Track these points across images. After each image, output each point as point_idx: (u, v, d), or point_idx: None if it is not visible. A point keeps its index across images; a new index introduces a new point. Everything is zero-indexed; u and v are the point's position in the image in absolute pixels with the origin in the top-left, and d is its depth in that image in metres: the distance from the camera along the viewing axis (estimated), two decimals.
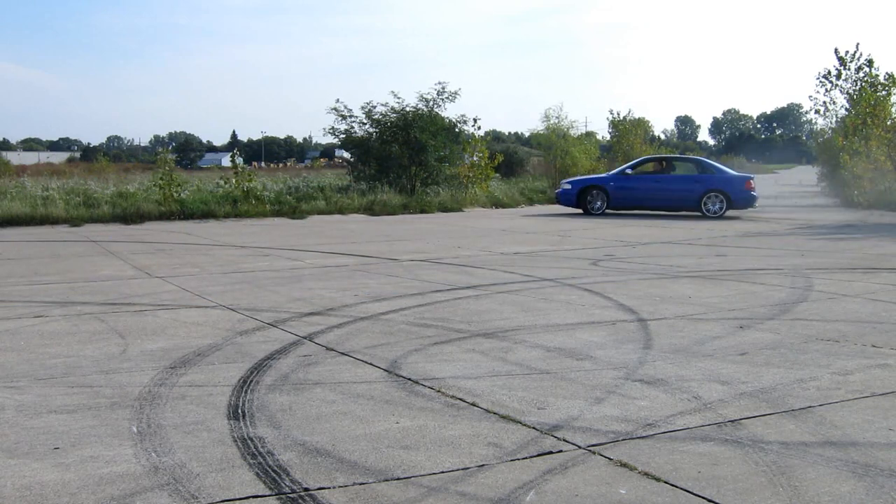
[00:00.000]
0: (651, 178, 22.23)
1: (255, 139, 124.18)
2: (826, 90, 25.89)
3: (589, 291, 8.00)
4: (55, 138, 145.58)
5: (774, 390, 4.41)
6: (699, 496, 3.00)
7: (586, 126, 55.73)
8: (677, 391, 4.41)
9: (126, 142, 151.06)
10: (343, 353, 5.39)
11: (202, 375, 4.85)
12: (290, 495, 3.04)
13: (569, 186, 22.70)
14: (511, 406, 4.16)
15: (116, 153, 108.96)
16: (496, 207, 26.12)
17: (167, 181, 21.87)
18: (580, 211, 22.28)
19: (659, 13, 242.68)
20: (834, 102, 26.12)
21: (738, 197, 21.40)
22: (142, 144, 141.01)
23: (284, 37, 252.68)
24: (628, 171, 22.62)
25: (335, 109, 27.46)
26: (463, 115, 28.43)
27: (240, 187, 22.90)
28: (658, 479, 3.16)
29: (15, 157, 72.18)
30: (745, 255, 11.35)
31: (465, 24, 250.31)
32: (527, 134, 52.61)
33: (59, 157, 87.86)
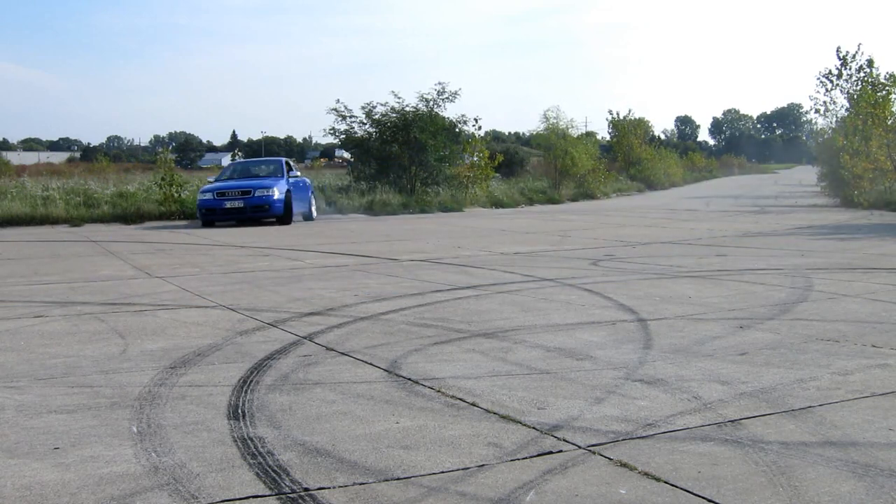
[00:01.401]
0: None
1: (255, 139, 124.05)
2: (826, 90, 25.93)
3: (589, 291, 8.00)
4: (55, 138, 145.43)
5: (774, 390, 4.41)
6: (699, 496, 3.00)
7: (586, 126, 55.78)
8: (677, 391, 4.41)
9: (126, 142, 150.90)
10: (343, 353, 5.40)
11: (202, 375, 4.85)
12: (290, 495, 3.04)
13: (273, 193, 19.23)
14: (511, 406, 4.16)
15: (116, 153, 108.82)
16: (496, 207, 26.14)
17: (168, 181, 21.87)
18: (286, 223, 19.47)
19: (659, 13, 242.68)
20: (834, 102, 26.16)
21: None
22: (142, 144, 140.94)
23: (284, 37, 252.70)
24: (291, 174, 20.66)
25: (335, 110, 27.50)
26: (463, 115, 28.48)
27: None
28: (658, 479, 3.16)
29: (15, 157, 72.12)
30: (745, 254, 11.35)
31: (465, 24, 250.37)
32: (527, 134, 52.59)
33: (59, 157, 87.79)
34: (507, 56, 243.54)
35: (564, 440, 3.64)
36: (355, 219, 21.64)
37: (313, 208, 21.84)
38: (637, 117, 49.39)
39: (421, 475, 3.24)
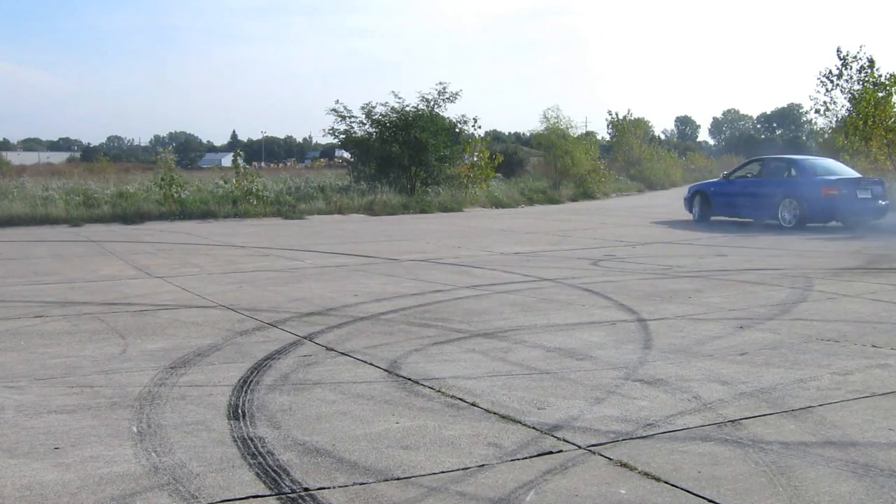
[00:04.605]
0: None
1: (255, 139, 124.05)
2: (827, 90, 25.88)
3: (589, 291, 8.00)
4: (55, 138, 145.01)
5: (774, 390, 4.41)
6: (699, 496, 3.00)
7: (586, 126, 55.74)
8: (677, 391, 4.41)
9: (126, 142, 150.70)
10: (343, 353, 5.39)
11: (202, 375, 4.85)
12: (290, 495, 3.04)
13: None
14: (511, 406, 4.16)
15: (116, 153, 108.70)
16: (496, 207, 26.13)
17: (168, 181, 21.88)
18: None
19: (659, 13, 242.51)
20: (834, 102, 26.10)
21: None
22: (142, 144, 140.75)
23: (284, 37, 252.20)
24: None
25: (335, 110, 27.47)
26: (463, 115, 28.43)
27: (241, 187, 22.92)
28: (658, 479, 3.16)
29: (15, 157, 71.97)
30: (744, 254, 11.35)
31: (465, 24, 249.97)
32: (527, 134, 52.56)
33: (59, 158, 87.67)
34: (507, 56, 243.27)
35: (564, 440, 3.63)
36: (355, 219, 21.64)
37: None
38: (637, 117, 49.43)
39: (421, 475, 3.24)
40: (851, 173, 17.35)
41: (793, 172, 17.14)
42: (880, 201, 16.21)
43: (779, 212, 16.49)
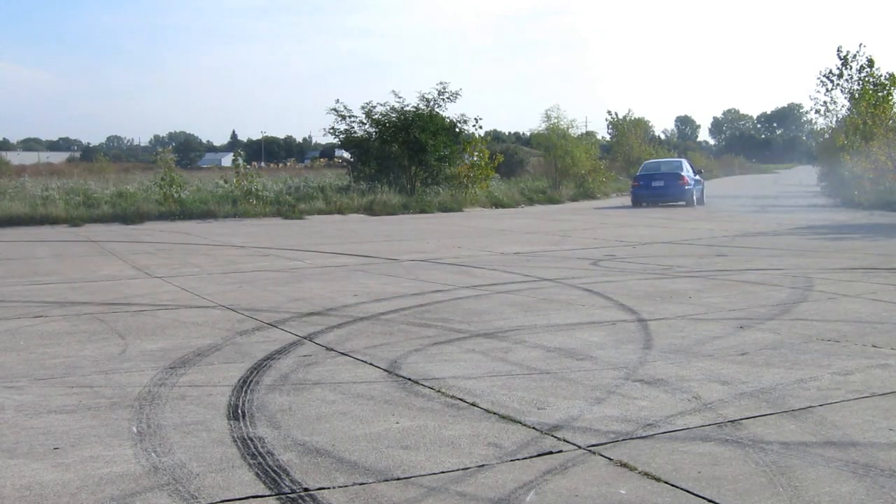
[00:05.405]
0: None
1: (254, 139, 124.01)
2: (827, 90, 25.92)
3: (589, 291, 7.99)
4: (55, 138, 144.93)
5: (775, 390, 4.40)
6: (699, 496, 3.00)
7: (586, 126, 55.78)
8: (677, 391, 4.41)
9: (126, 142, 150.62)
10: (343, 353, 5.39)
11: (202, 375, 4.85)
12: (290, 495, 3.04)
13: None
14: (511, 406, 4.16)
15: (116, 153, 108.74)
16: (496, 207, 26.13)
17: (167, 181, 21.87)
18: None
19: (659, 13, 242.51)
20: (835, 102, 26.16)
21: None
22: (141, 144, 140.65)
23: (284, 37, 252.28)
24: None
25: (335, 110, 27.47)
26: (463, 115, 28.42)
27: (241, 187, 22.91)
28: (658, 480, 3.15)
29: (14, 157, 72.00)
30: (745, 254, 11.35)
31: (466, 24, 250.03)
32: (527, 134, 52.53)
33: (58, 157, 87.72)
34: (507, 56, 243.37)
35: (564, 440, 3.63)
36: (355, 219, 21.64)
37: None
38: (637, 117, 49.53)
39: (421, 475, 3.24)
40: (670, 168, 26.50)
41: (637, 171, 27.68)
42: (677, 188, 25.10)
43: (632, 197, 26.28)
